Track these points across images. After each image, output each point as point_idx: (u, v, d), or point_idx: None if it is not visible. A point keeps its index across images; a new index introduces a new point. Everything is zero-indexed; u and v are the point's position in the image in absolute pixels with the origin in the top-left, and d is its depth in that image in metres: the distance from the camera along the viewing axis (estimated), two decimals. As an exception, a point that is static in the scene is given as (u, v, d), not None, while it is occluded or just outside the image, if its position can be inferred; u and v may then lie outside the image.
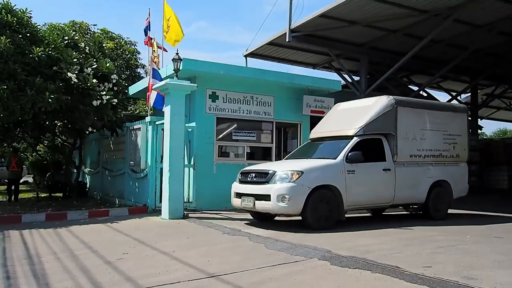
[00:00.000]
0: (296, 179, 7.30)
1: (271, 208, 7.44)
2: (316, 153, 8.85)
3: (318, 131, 9.50)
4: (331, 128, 9.12)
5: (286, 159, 9.35)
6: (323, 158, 8.17)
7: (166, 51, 12.03)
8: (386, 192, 8.34)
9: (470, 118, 15.46)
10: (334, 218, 7.61)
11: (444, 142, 9.32)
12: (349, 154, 7.83)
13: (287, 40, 12.83)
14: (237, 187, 8.26)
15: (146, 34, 12.12)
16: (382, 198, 8.34)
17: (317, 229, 7.25)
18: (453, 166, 9.50)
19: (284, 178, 7.37)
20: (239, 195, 8.08)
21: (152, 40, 11.73)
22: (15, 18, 9.71)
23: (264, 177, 7.68)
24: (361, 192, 7.94)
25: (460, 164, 9.67)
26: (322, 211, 7.45)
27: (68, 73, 9.61)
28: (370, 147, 8.30)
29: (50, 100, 9.08)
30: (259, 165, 8.82)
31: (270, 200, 7.35)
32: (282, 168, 7.67)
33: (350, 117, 8.92)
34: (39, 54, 9.42)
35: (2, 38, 8.91)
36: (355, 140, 8.15)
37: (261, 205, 7.55)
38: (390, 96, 8.85)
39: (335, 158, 7.82)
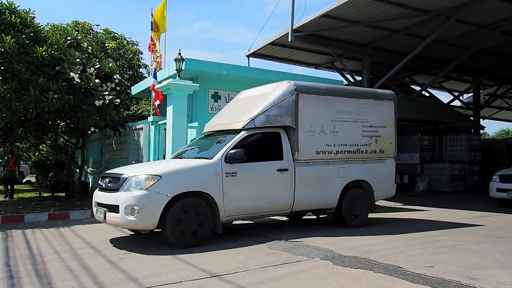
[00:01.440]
0: (151, 185, 5.83)
1: (120, 222, 5.94)
2: (195, 151, 7.34)
3: (211, 124, 7.97)
4: (223, 120, 7.68)
5: (171, 158, 7.78)
6: (198, 158, 6.80)
7: (160, 55, 12.02)
8: (281, 198, 6.90)
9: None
10: (206, 232, 6.12)
11: (364, 135, 7.93)
12: (230, 152, 6.40)
13: (289, 40, 12.84)
14: (95, 195, 6.71)
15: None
16: (276, 205, 6.90)
17: (182, 247, 5.81)
18: (375, 163, 8.10)
19: (137, 184, 5.91)
20: (95, 204, 6.56)
21: (155, 41, 11.76)
22: (18, 19, 9.75)
23: (116, 183, 6.20)
24: (245, 199, 6.52)
25: (385, 161, 8.29)
26: (188, 224, 5.93)
27: (70, 73, 9.64)
28: (264, 143, 7.01)
29: (53, 100, 9.12)
30: (122, 167, 7.21)
31: (118, 212, 5.87)
32: (137, 171, 6.24)
33: (245, 107, 7.51)
34: (42, 54, 9.45)
35: (7, 37, 8.95)
36: (241, 135, 6.72)
37: (111, 218, 6.03)
38: (292, 82, 7.38)
39: (211, 158, 6.42)
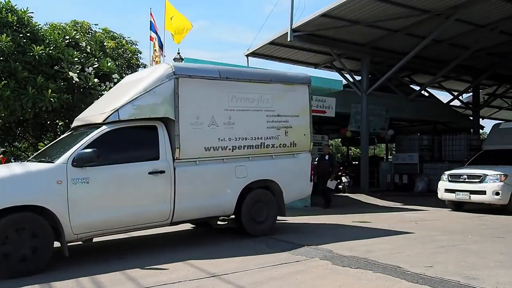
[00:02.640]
0: None
1: None
2: (49, 152, 5.87)
3: (79, 117, 6.67)
4: (90, 111, 6.47)
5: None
6: (41, 161, 5.44)
7: (165, 56, 12.02)
8: (155, 207, 5.64)
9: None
10: (43, 257, 4.79)
11: (270, 126, 6.67)
12: (78, 153, 5.12)
13: (288, 39, 12.83)
14: None
15: (154, 31, 12.12)
16: (148, 216, 5.62)
17: (5, 276, 4.53)
18: (285, 159, 6.86)
19: None
20: None
21: (154, 40, 11.75)
22: (15, 17, 9.73)
23: None
24: (101, 211, 5.22)
25: (298, 156, 7.01)
26: (14, 249, 4.61)
27: (69, 72, 9.62)
28: (133, 140, 5.82)
29: (51, 99, 9.10)
30: None
31: None
32: None
33: (117, 94, 6.31)
34: (40, 53, 9.44)
35: (3, 36, 8.94)
36: (100, 130, 5.46)
37: None
38: (171, 64, 6.33)
39: (53, 161, 5.14)
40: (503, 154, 11.03)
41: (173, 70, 5.92)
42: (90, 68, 10.25)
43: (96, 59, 10.80)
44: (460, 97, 21.12)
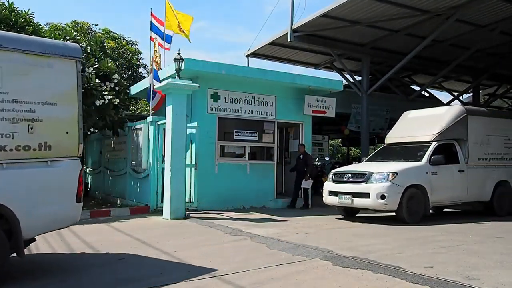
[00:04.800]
0: None
1: None
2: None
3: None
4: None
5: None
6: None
7: (168, 49, 11.98)
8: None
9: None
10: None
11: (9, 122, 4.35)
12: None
13: (289, 40, 12.84)
14: None
15: (156, 32, 12.07)
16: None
17: None
18: (26, 169, 4.45)
19: None
20: None
21: (155, 40, 11.73)
22: (18, 18, 9.74)
23: None
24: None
25: (55, 165, 4.66)
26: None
27: None
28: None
29: None
30: None
31: None
32: None
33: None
34: None
35: None
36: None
37: None
38: None
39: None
40: (406, 148, 9.81)
41: None
42: (91, 68, 10.26)
43: (96, 60, 10.80)
44: (461, 98, 21.12)
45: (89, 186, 15.03)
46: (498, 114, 11.45)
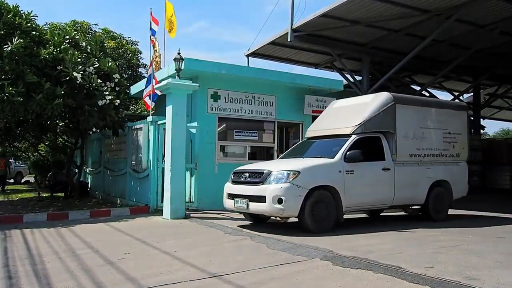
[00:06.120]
0: None
1: None
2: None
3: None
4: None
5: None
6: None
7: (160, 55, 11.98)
8: None
9: None
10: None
11: None
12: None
13: (289, 39, 12.82)
14: None
15: (153, 34, 12.09)
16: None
17: None
18: None
19: None
20: None
21: (155, 41, 11.72)
22: (22, 20, 9.75)
23: None
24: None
25: None
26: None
27: (73, 72, 9.62)
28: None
29: (57, 104, 9.15)
30: None
31: None
32: None
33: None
34: (45, 56, 9.47)
35: (14, 39, 8.97)
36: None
37: None
38: None
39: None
40: (326, 142, 8.45)
41: None
42: (91, 68, 10.26)
43: (96, 59, 10.80)
44: (461, 97, 21.11)
45: (89, 185, 15.04)
46: (436, 103, 9.42)
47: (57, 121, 12.23)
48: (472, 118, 20.95)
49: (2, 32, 9.37)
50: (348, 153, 7.53)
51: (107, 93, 10.28)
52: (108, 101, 10.18)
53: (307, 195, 6.91)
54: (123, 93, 11.89)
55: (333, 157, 7.53)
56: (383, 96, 8.40)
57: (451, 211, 9.32)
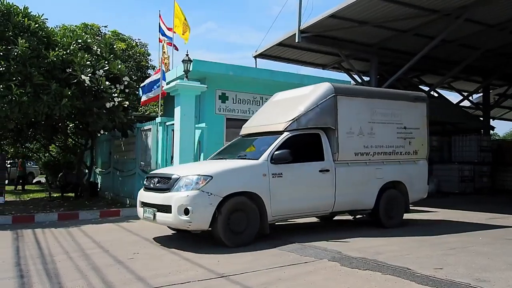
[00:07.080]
0: None
1: None
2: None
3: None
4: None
5: None
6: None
7: (177, 50, 12.12)
8: None
9: None
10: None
11: None
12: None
13: (296, 40, 12.83)
14: None
15: (163, 34, 12.20)
16: None
17: None
18: None
19: None
20: None
21: (163, 43, 11.82)
22: (32, 22, 9.87)
23: None
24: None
25: None
26: None
27: (82, 75, 9.72)
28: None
29: (65, 106, 9.25)
30: None
31: None
32: None
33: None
34: (53, 59, 9.57)
35: (21, 41, 9.08)
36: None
37: None
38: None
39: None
40: (258, 140, 7.45)
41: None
42: (101, 71, 10.35)
43: (106, 62, 10.90)
44: (470, 98, 20.92)
45: (99, 186, 15.17)
46: (387, 94, 8.15)
47: (67, 123, 12.36)
48: (481, 118, 20.77)
49: (10, 33, 9.49)
50: (275, 153, 6.50)
51: (116, 95, 10.37)
52: (116, 103, 10.27)
53: (220, 203, 5.89)
54: (133, 95, 11.97)
55: (257, 158, 6.52)
56: (323, 87, 7.35)
57: (450, 212, 9.11)
